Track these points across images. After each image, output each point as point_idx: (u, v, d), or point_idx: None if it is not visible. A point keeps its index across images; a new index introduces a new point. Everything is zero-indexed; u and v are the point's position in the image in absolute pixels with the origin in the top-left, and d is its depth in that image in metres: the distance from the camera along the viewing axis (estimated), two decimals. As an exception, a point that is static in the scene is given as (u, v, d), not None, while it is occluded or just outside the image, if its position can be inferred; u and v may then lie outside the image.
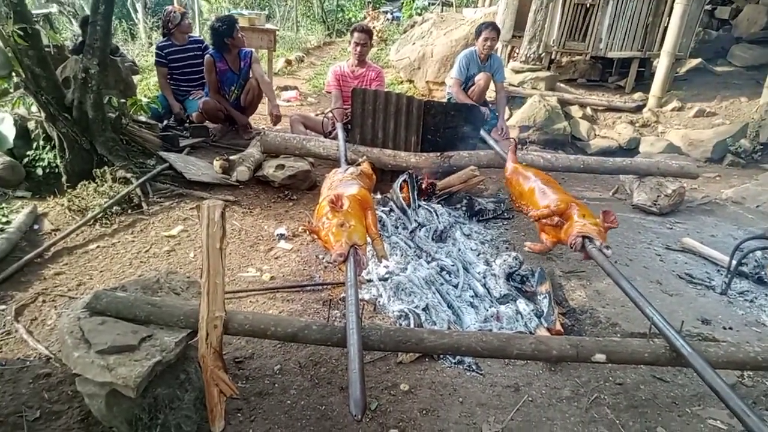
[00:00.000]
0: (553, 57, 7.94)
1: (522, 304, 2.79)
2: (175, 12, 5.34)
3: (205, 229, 1.98)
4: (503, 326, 2.67)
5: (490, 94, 5.81)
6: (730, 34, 9.17)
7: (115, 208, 3.46)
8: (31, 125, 3.90)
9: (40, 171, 3.77)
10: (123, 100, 4.08)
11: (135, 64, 6.98)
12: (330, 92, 5.25)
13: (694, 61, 8.34)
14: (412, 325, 2.56)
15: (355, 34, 4.98)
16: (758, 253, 3.21)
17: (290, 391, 2.19)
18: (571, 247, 2.44)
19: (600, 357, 2.01)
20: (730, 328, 2.69)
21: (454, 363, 2.42)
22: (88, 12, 4.72)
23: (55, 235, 3.20)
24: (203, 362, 1.90)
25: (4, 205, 3.44)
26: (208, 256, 1.96)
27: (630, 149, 6.43)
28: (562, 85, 7.75)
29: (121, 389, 1.70)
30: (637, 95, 7.53)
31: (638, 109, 7.26)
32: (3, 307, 2.58)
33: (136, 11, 13.91)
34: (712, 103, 7.14)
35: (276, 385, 2.22)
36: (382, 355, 2.40)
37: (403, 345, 2.03)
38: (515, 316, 2.73)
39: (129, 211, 3.52)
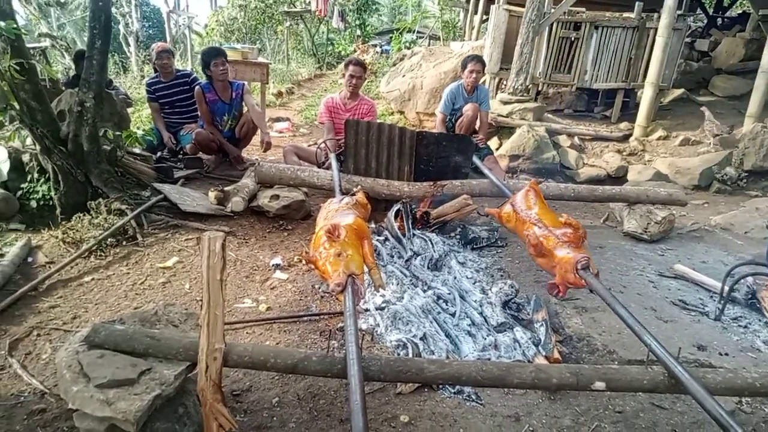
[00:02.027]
0: (540, 88, 8.13)
1: (519, 333, 2.79)
2: (151, 50, 5.63)
3: (205, 261, 1.98)
4: (501, 355, 2.66)
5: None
6: (710, 66, 9.49)
7: (109, 240, 3.43)
8: (25, 158, 3.91)
9: (34, 203, 3.77)
10: (118, 133, 4.11)
11: (128, 97, 7.06)
12: (323, 123, 5.31)
13: (677, 92, 8.59)
14: (410, 355, 2.55)
15: (350, 68, 5.05)
16: (750, 279, 3.25)
17: (289, 424, 2.16)
18: (578, 264, 2.49)
19: (600, 385, 2.02)
20: (726, 354, 2.71)
21: (454, 393, 2.40)
22: (80, 46, 4.80)
23: (49, 267, 3.17)
24: (202, 395, 1.87)
25: (-3, 238, 3.42)
26: (208, 288, 1.95)
27: (618, 177, 6.55)
28: (549, 115, 7.91)
29: (120, 424, 1.67)
30: (623, 125, 7.70)
31: (625, 138, 7.42)
32: (-4, 341, 2.53)
33: (128, 44, 14.12)
34: (696, 132, 7.31)
35: (274, 418, 2.19)
36: (381, 385, 2.39)
37: (404, 375, 2.02)
38: (513, 344, 2.73)
39: (124, 243, 3.50)
